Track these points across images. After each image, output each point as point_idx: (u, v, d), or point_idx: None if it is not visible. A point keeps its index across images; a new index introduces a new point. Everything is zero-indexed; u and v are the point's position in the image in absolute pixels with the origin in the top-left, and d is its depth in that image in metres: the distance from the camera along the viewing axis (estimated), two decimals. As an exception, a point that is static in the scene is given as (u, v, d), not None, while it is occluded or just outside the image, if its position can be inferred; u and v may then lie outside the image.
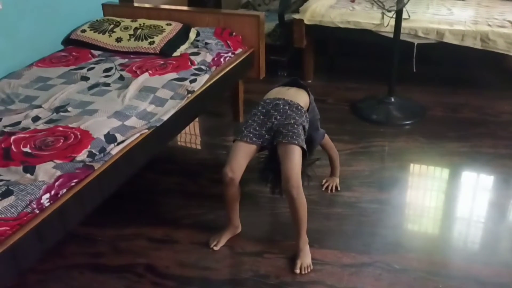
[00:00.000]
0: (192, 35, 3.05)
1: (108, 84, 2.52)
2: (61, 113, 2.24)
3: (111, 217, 2.43)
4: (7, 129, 2.09)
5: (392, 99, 3.41)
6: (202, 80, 2.61)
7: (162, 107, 2.34)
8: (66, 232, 1.73)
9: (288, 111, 2.17)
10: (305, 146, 2.10)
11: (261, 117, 2.18)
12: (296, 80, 2.40)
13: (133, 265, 2.13)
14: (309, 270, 2.07)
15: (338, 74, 4.03)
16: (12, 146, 1.91)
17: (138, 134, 2.08)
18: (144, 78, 2.53)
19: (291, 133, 2.10)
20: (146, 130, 2.12)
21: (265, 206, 2.48)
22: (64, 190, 1.73)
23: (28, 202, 1.62)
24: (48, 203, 1.67)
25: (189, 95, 2.46)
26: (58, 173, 1.77)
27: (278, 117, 2.16)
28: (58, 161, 1.84)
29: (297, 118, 2.15)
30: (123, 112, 2.22)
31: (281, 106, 2.18)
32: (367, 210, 2.44)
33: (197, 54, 2.86)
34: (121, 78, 2.59)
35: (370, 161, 2.85)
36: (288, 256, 2.14)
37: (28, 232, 1.56)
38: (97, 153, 1.93)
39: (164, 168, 2.84)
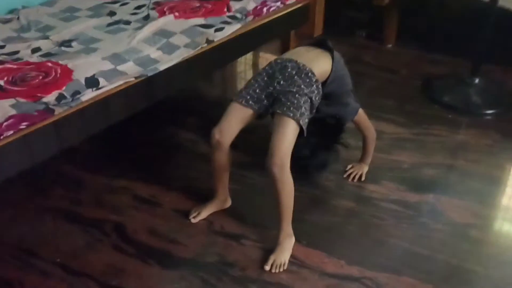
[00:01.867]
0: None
1: (128, 22, 2.34)
2: (63, 48, 2.12)
3: (110, 165, 2.31)
4: (1, 57, 2.01)
5: (476, 81, 2.78)
6: (230, 30, 2.30)
7: (169, 55, 2.10)
8: (4, 178, 1.62)
9: (295, 77, 1.80)
10: (303, 122, 1.74)
11: (265, 79, 1.84)
12: (324, 41, 1.99)
13: (104, 221, 1.99)
14: (281, 269, 1.75)
15: (425, 42, 3.40)
16: (-10, 76, 1.83)
17: (121, 82, 1.87)
18: (165, 21, 2.31)
19: (289, 103, 1.74)
20: (133, 79, 1.90)
21: (265, 185, 2.16)
22: (11, 132, 1.59)
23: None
24: (-11, 143, 1.55)
25: (205, 44, 2.18)
26: (13, 112, 1.64)
27: (281, 82, 1.80)
28: (21, 100, 1.71)
29: (302, 86, 1.78)
30: (121, 55, 2.02)
31: (289, 70, 1.81)
32: (386, 211, 2.01)
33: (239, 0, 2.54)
34: (146, 17, 2.40)
35: (416, 153, 2.35)
36: (268, 247, 1.83)
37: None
38: (68, 97, 1.76)
39: (186, 122, 2.63)
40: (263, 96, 1.82)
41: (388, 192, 2.11)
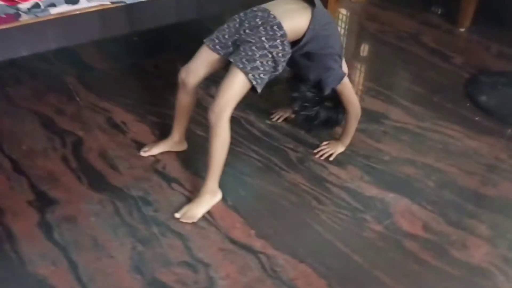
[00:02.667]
0: None
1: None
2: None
3: (107, 86, 2.41)
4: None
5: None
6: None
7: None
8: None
9: (260, 28, 1.68)
10: (254, 77, 1.65)
11: (236, 25, 1.76)
12: None
13: (69, 134, 2.11)
14: (190, 221, 1.73)
15: (504, 31, 2.92)
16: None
17: (96, 3, 1.91)
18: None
19: (243, 53, 1.66)
20: (109, 3, 1.93)
21: (236, 140, 2.10)
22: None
23: None
24: None
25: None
26: (-15, 11, 1.78)
27: (247, 31, 1.71)
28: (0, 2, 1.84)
29: (263, 39, 1.66)
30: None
31: (257, 20, 1.71)
32: (332, 197, 1.85)
33: None
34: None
35: (408, 148, 2.09)
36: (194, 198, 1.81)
37: None
38: (42, 7, 1.86)
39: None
40: (230, 43, 1.74)
41: (347, 179, 1.93)
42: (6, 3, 1.83)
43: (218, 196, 1.81)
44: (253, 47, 1.66)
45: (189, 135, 2.05)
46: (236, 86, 1.67)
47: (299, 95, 1.91)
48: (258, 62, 1.66)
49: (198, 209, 1.75)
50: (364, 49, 2.90)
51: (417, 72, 2.61)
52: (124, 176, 1.92)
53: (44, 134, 2.11)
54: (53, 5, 1.87)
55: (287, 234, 1.70)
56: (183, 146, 2.03)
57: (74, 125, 2.16)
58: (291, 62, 1.80)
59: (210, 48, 1.77)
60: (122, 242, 1.65)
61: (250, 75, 1.65)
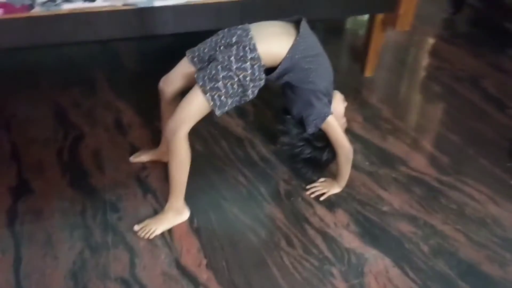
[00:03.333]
0: None
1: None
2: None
3: (130, 85, 2.44)
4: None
5: None
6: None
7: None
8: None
9: (233, 47, 1.57)
10: (213, 98, 1.55)
11: (218, 40, 1.66)
12: (300, 20, 1.67)
13: (74, 128, 2.15)
14: (147, 235, 1.65)
15: None
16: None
17: (107, 3, 1.92)
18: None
19: (208, 71, 1.57)
20: (119, 5, 1.92)
21: (230, 160, 1.99)
22: (-13, 15, 1.82)
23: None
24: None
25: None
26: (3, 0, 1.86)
27: (221, 48, 1.62)
28: (20, -6, 1.91)
29: (232, 59, 1.55)
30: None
31: (234, 38, 1.60)
32: (306, 242, 1.66)
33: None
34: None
35: (414, 202, 1.83)
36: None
37: None
38: (57, 1, 1.90)
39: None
40: (207, 57, 1.65)
41: (330, 224, 1.73)
42: (26, -5, 1.91)
43: (184, 215, 1.72)
44: (219, 66, 1.55)
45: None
46: (194, 104, 1.58)
47: (283, 129, 1.76)
48: (220, 83, 1.54)
49: (157, 226, 1.67)
50: (407, 84, 2.62)
51: (461, 118, 2.31)
52: (105, 178, 1.89)
53: (52, 124, 2.17)
54: (69, 0, 1.91)
55: (239, 271, 1.55)
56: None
57: (83, 120, 2.20)
58: (282, 91, 1.66)
59: (189, 60, 1.70)
60: (73, 244, 1.62)
61: (207, 94, 1.55)
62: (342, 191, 1.86)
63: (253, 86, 1.58)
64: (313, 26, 1.70)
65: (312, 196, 1.85)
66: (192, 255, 1.61)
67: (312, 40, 1.65)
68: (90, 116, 2.23)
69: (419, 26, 3.09)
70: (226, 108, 1.58)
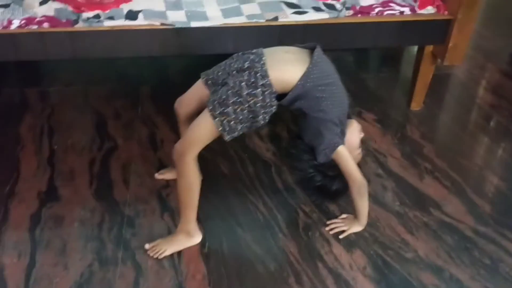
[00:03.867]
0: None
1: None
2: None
3: (172, 100, 2.47)
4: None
5: None
6: (313, 17, 2.05)
7: (224, 18, 2.03)
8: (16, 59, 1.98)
9: (245, 72, 1.55)
10: (222, 123, 1.53)
11: (231, 63, 1.64)
12: (314, 47, 1.62)
13: (111, 139, 2.20)
14: (156, 255, 1.65)
15: None
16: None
17: (146, 22, 1.96)
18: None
19: (218, 96, 1.55)
20: (158, 24, 1.96)
21: (253, 185, 1.95)
22: (35, 27, 1.92)
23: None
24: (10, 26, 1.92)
25: (264, 20, 2.01)
26: (51, 14, 1.96)
27: (234, 72, 1.59)
28: (62, 5, 1.99)
29: (243, 84, 1.52)
30: (180, 3, 2.08)
31: (246, 63, 1.57)
32: (318, 284, 1.58)
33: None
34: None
35: (443, 251, 1.70)
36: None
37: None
38: (101, 18, 1.97)
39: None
40: (220, 81, 1.64)
41: (345, 265, 1.64)
42: (74, 10, 2.00)
43: (196, 239, 1.70)
44: (229, 91, 1.53)
45: (212, 168, 1.99)
46: (202, 128, 1.57)
47: (294, 153, 1.70)
48: (230, 108, 1.52)
49: (167, 246, 1.66)
50: (456, 121, 2.44)
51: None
52: (129, 192, 1.92)
53: (91, 134, 2.24)
54: (111, 18, 1.97)
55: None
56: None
57: (121, 132, 2.25)
58: (298, 116, 1.61)
59: (203, 82, 1.69)
60: (84, 256, 1.65)
61: (217, 119, 1.53)
62: (364, 230, 1.77)
63: (264, 112, 1.55)
64: (367, 54, 1.63)
65: (331, 232, 1.77)
66: (196, 281, 1.58)
67: (326, 69, 1.59)
68: (127, 128, 2.28)
69: (482, 60, 2.91)
70: (236, 133, 1.56)
